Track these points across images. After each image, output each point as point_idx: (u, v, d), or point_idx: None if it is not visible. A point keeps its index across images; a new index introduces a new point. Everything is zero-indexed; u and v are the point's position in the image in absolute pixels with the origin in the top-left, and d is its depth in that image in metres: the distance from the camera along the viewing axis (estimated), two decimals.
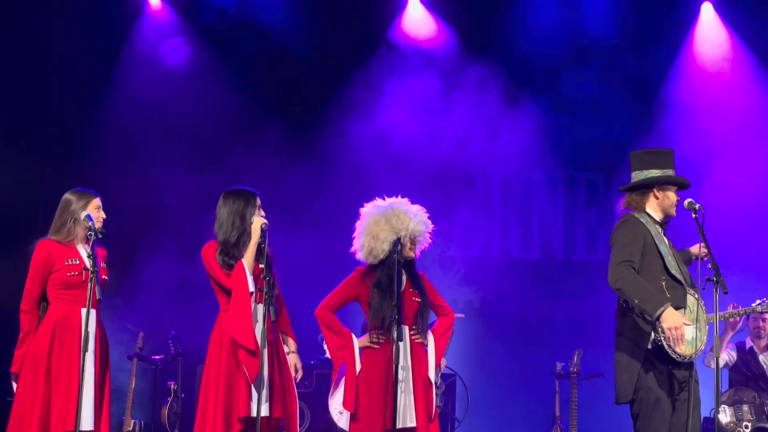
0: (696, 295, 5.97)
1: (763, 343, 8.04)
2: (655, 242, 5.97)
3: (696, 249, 6.25)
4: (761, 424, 7.79)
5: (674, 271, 5.94)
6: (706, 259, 6.09)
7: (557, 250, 10.64)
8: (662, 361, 5.87)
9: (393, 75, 10.37)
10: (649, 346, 5.81)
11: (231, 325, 6.09)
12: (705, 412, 7.67)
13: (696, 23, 10.45)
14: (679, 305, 5.87)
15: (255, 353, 5.98)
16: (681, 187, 6.13)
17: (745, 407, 7.81)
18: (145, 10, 10.55)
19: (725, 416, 7.83)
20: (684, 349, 5.81)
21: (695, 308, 5.93)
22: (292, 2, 10.50)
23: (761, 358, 8.04)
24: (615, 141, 10.24)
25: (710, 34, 10.44)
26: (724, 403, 7.90)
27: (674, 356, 5.79)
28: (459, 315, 8.40)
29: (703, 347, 5.86)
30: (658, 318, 5.67)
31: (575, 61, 10.25)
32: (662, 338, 5.75)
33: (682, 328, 5.70)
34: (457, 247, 10.55)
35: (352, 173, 10.11)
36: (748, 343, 8.14)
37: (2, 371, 6.36)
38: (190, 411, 8.90)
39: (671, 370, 5.90)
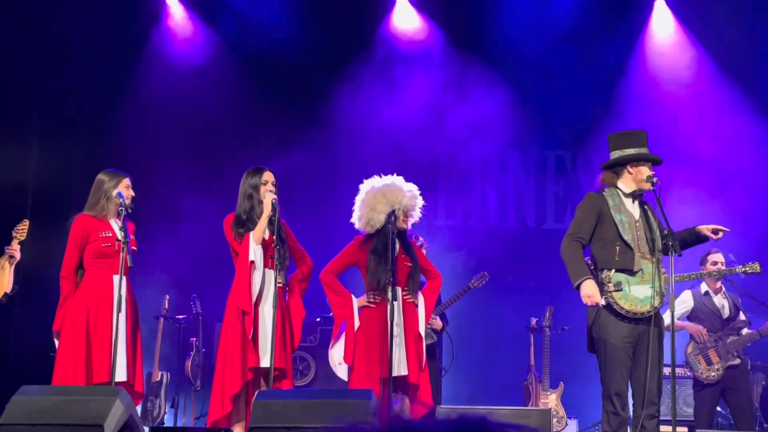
0: (653, 259, 5.97)
1: (717, 284, 7.99)
2: (611, 213, 6.00)
3: (703, 229, 6.19)
4: (729, 363, 7.78)
5: (627, 237, 5.95)
6: (719, 237, 6.20)
7: (530, 219, 10.66)
8: (618, 317, 5.90)
9: (383, 68, 10.36)
10: (603, 303, 5.86)
11: (232, 290, 6.15)
12: (679, 361, 7.73)
13: (650, 15, 10.45)
14: (628, 267, 5.91)
15: (248, 313, 6.07)
16: (654, 163, 6.09)
17: (711, 351, 7.82)
18: (163, 10, 10.51)
19: (698, 366, 7.83)
20: (633, 306, 5.85)
21: (650, 271, 5.93)
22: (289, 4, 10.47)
23: (715, 299, 8.02)
24: (580, 122, 10.27)
25: (662, 24, 10.45)
26: (690, 354, 7.90)
27: (621, 311, 5.86)
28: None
29: (652, 305, 5.88)
30: (577, 287, 5.84)
31: (546, 53, 10.24)
32: (609, 296, 5.86)
33: (594, 297, 5.80)
34: (442, 217, 10.57)
35: (346, 158, 10.10)
36: (704, 288, 8.08)
37: (48, 331, 6.36)
38: (209, 363, 8.92)
39: (621, 324, 5.92)
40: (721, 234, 6.18)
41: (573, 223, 6.10)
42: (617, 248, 5.95)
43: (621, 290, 5.88)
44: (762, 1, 10.18)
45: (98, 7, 9.88)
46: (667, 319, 6.00)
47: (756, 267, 7.11)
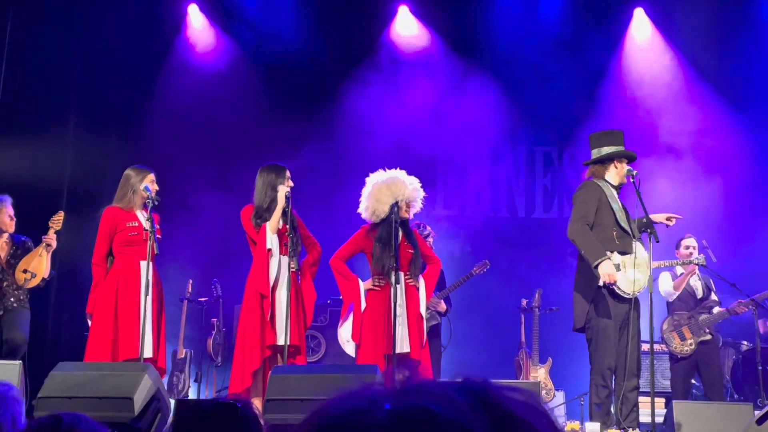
0: (641, 245, 5.98)
1: (691, 267, 7.97)
2: (608, 201, 5.98)
3: (657, 217, 6.24)
4: (701, 338, 7.78)
5: (623, 224, 5.96)
6: (672, 223, 6.32)
7: (520, 209, 10.64)
8: (615, 298, 5.88)
9: (387, 72, 10.35)
10: (600, 283, 5.82)
11: (251, 275, 6.13)
12: (655, 337, 7.72)
13: (630, 22, 10.40)
14: (626, 251, 5.88)
15: (266, 296, 6.05)
16: (630, 160, 6.18)
17: (685, 328, 7.82)
18: (186, 21, 10.49)
19: (672, 341, 7.83)
20: (627, 287, 5.83)
21: (641, 255, 5.92)
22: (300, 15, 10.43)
23: (691, 280, 8.01)
24: (566, 121, 10.25)
25: (641, 30, 10.41)
26: (666, 331, 7.90)
27: (619, 292, 5.82)
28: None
29: (643, 287, 5.88)
30: (596, 267, 5.75)
31: (536, 58, 10.21)
32: None
33: (614, 276, 5.77)
34: (440, 208, 10.56)
35: (353, 154, 10.06)
36: (679, 271, 8.05)
37: (81, 312, 6.37)
38: (229, 341, 8.91)
39: (616, 304, 5.90)
40: (674, 220, 6.28)
41: (577, 208, 6.02)
42: (614, 233, 5.94)
43: (619, 271, 5.85)
44: (730, 8, 10.17)
45: (129, 18, 9.87)
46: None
47: (701, 260, 7.43)
